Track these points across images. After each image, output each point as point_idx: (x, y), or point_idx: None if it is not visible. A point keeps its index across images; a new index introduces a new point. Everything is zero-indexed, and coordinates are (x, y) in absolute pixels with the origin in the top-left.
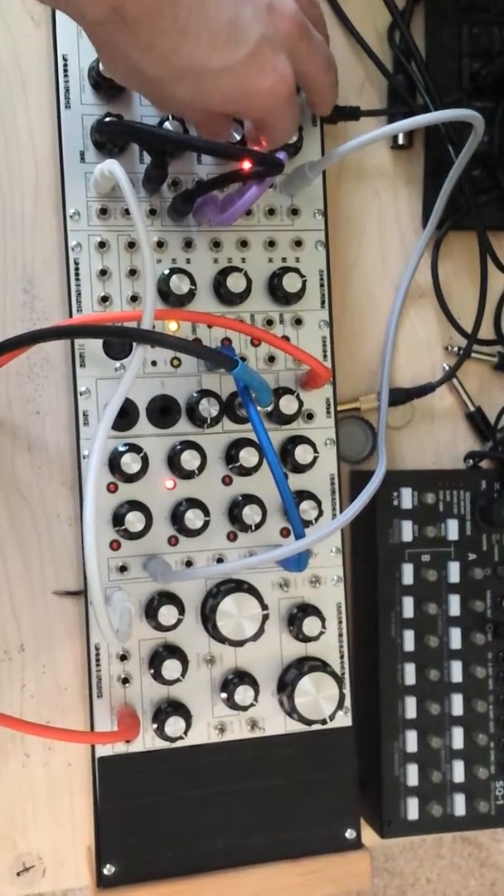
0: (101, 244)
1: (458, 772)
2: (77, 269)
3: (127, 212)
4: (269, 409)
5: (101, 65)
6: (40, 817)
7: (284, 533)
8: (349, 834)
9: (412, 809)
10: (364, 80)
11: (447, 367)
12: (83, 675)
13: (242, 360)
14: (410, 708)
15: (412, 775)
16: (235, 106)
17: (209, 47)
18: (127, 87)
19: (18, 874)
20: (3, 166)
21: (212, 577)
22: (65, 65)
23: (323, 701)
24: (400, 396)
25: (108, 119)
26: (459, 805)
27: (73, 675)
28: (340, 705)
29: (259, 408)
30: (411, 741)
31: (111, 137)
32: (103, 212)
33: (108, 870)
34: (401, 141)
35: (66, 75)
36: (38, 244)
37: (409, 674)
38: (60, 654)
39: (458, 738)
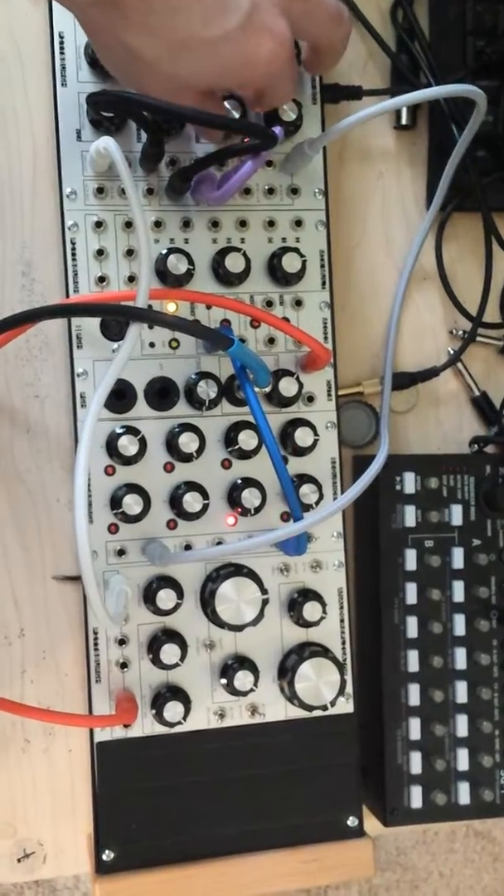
0: (98, 224)
1: (463, 760)
2: (74, 249)
3: (124, 191)
4: (268, 390)
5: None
6: (41, 804)
7: (284, 517)
8: (351, 822)
9: (416, 797)
10: (367, 59)
11: (452, 351)
12: (83, 661)
13: (241, 342)
14: (414, 695)
15: (416, 763)
16: (237, 75)
17: (203, 19)
18: (120, 77)
19: (19, 860)
20: (1, 146)
21: (210, 560)
22: (61, 42)
23: (324, 686)
24: (404, 380)
25: (100, 91)
26: (464, 793)
27: (74, 660)
28: (341, 691)
29: (257, 388)
30: (415, 728)
31: (103, 108)
32: (100, 191)
33: (107, 856)
34: (404, 121)
35: (62, 53)
36: (38, 225)
37: (413, 660)
38: (61, 640)
39: (462, 725)
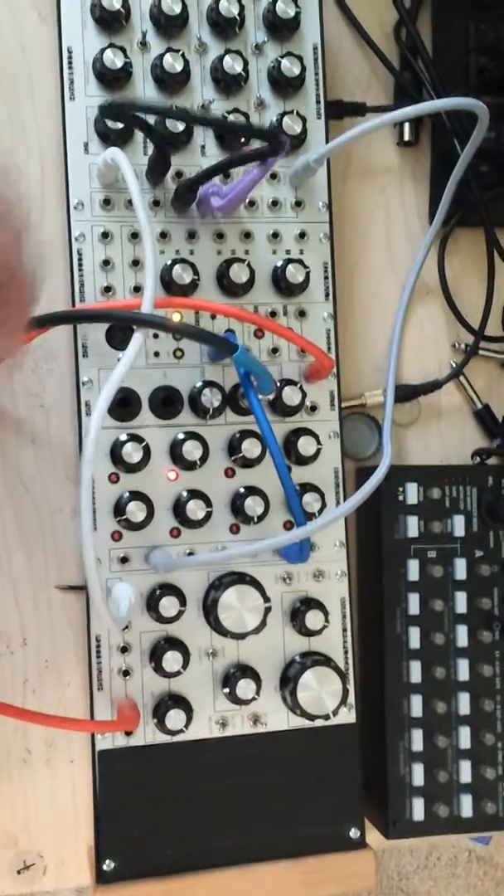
0: (105, 234)
1: (465, 772)
2: (80, 259)
3: (130, 202)
4: (271, 397)
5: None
6: (42, 815)
7: (287, 526)
8: (353, 833)
9: (418, 810)
10: (370, 76)
11: (454, 365)
12: (86, 671)
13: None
14: (416, 706)
15: (418, 775)
16: None
17: None
18: None
19: (19, 872)
20: (8, 161)
21: (213, 566)
22: (69, 57)
23: (326, 696)
24: (406, 393)
25: (109, 101)
26: (466, 806)
27: (76, 670)
28: (344, 701)
29: (261, 396)
30: (417, 740)
31: (115, 116)
32: (106, 202)
33: (108, 865)
34: (407, 137)
35: (70, 67)
36: (44, 237)
37: (415, 671)
38: (63, 649)
39: (464, 737)
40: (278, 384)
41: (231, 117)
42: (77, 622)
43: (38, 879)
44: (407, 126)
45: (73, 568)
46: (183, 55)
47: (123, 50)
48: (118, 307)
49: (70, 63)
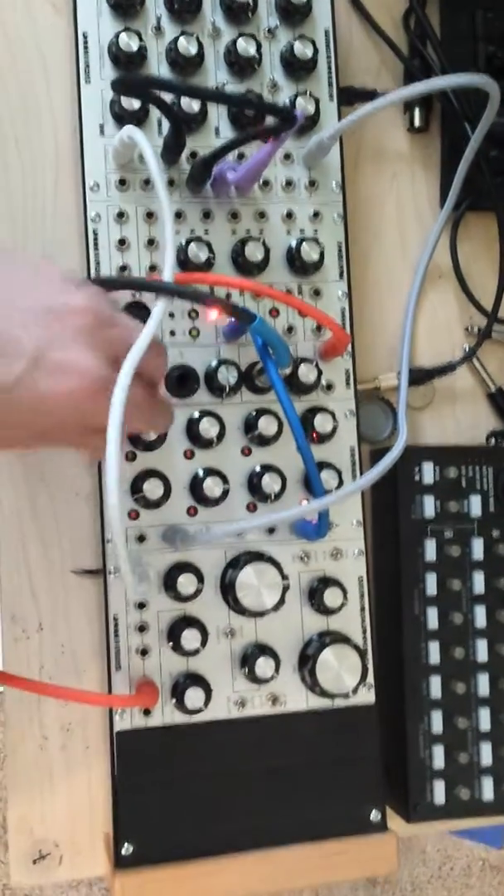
0: (120, 214)
1: (486, 754)
2: (96, 239)
3: (146, 182)
4: (288, 371)
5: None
6: (57, 803)
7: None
8: (374, 816)
9: (439, 793)
10: (380, 64)
11: (467, 348)
12: (102, 656)
13: None
14: (435, 687)
15: (438, 757)
16: (51, 420)
17: None
18: None
19: (35, 862)
20: (24, 150)
21: (231, 539)
22: (85, 42)
23: (345, 674)
24: (420, 376)
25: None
26: (487, 789)
27: (92, 655)
28: (363, 679)
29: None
30: (437, 722)
31: (126, 92)
32: (122, 183)
33: (126, 849)
34: (417, 123)
35: (86, 51)
36: (59, 219)
37: (434, 652)
38: (79, 634)
39: (484, 719)
40: (294, 363)
41: None
42: (92, 607)
43: (54, 869)
44: (417, 112)
45: (89, 552)
46: (197, 38)
47: (139, 34)
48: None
49: (86, 48)
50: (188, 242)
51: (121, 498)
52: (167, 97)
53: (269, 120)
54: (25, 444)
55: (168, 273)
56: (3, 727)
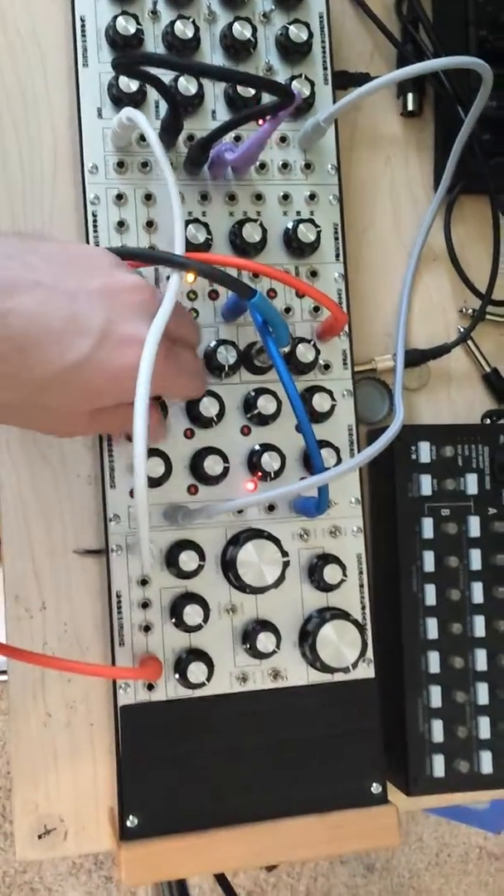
0: (119, 196)
1: (484, 728)
2: (95, 221)
3: (144, 164)
4: (286, 350)
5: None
6: (62, 779)
7: None
8: (374, 788)
9: (438, 766)
10: (373, 50)
11: (462, 329)
12: (104, 635)
13: None
14: (434, 662)
15: (437, 731)
16: (115, 390)
17: (57, 349)
18: (16, 426)
19: (40, 837)
20: (22, 135)
21: (231, 517)
22: (82, 25)
23: (345, 648)
24: (415, 357)
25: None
26: (486, 762)
27: (94, 634)
28: (363, 654)
29: None
30: (435, 696)
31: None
32: (120, 165)
33: (131, 822)
34: (410, 107)
35: (83, 36)
36: (57, 203)
37: (432, 628)
38: (81, 613)
39: (482, 693)
40: (291, 343)
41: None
42: (95, 586)
43: (59, 844)
44: (410, 96)
45: (91, 532)
46: (193, 22)
47: (136, 17)
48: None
49: (83, 31)
50: (186, 224)
51: (145, 462)
52: (165, 79)
53: (266, 101)
54: (85, 425)
55: (179, 246)
56: (8, 708)
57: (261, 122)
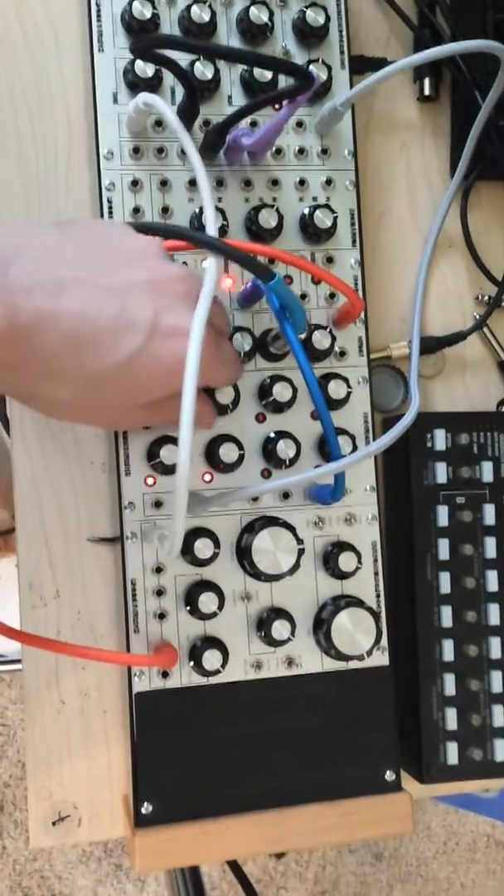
0: (134, 182)
1: (498, 716)
2: (111, 207)
3: (160, 150)
4: (303, 336)
5: None
6: (76, 766)
7: None
8: (388, 776)
9: (452, 754)
10: (389, 34)
11: (478, 317)
12: (118, 623)
13: None
14: (448, 650)
15: (451, 719)
16: (168, 382)
17: (109, 344)
18: (74, 422)
19: (54, 824)
20: (37, 121)
21: (246, 505)
22: (98, 10)
23: (360, 636)
24: (431, 345)
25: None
26: (500, 750)
27: (109, 622)
28: (377, 641)
29: None
30: (449, 684)
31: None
32: (136, 151)
33: (146, 808)
34: (427, 92)
35: (99, 20)
36: (72, 189)
37: (447, 616)
38: (95, 601)
39: (497, 681)
40: (308, 330)
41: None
42: (109, 574)
43: (73, 831)
44: (427, 81)
45: (105, 519)
46: (210, 5)
47: (152, 2)
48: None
49: (99, 16)
50: (202, 210)
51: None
52: (182, 64)
53: (283, 86)
54: (140, 418)
55: (212, 228)
56: (21, 696)
57: (277, 106)
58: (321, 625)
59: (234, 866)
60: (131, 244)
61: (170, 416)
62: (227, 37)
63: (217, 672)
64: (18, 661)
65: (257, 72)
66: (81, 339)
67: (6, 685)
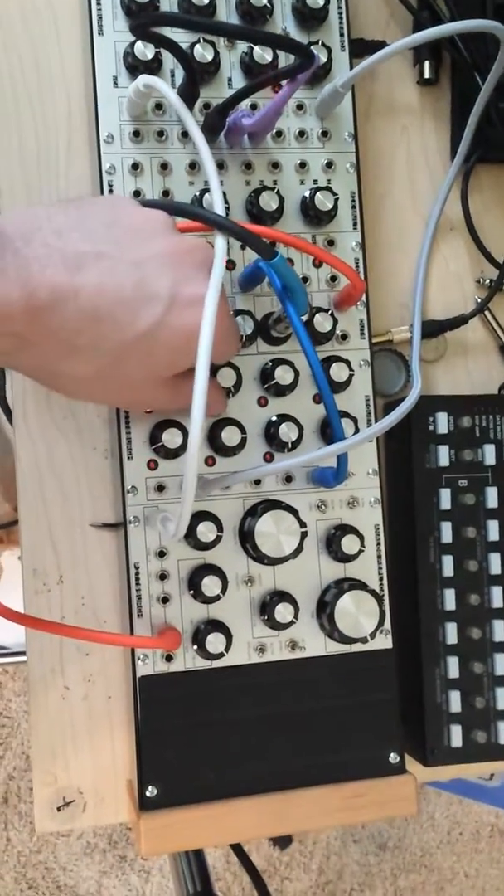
0: (135, 166)
1: (502, 699)
2: (111, 191)
3: (160, 133)
4: (305, 318)
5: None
6: (80, 751)
7: None
8: (392, 758)
9: (455, 736)
10: (389, 17)
11: (479, 300)
12: (121, 608)
13: None
14: (451, 633)
15: (455, 702)
16: (188, 352)
17: (130, 317)
18: (96, 402)
19: (59, 809)
20: (37, 106)
21: (249, 489)
22: None
23: (363, 618)
24: (432, 328)
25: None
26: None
27: (112, 607)
28: (381, 624)
29: None
30: (453, 667)
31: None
32: (136, 134)
33: (151, 792)
34: (427, 75)
35: (98, 3)
36: (72, 173)
37: (449, 599)
38: (99, 587)
39: (500, 664)
40: (309, 313)
41: (257, 49)
42: (112, 559)
43: (78, 816)
44: (427, 64)
45: (108, 505)
46: None
47: None
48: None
49: (98, 0)
50: (203, 193)
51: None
52: (182, 46)
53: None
54: (163, 394)
55: (218, 205)
56: (25, 685)
57: (278, 88)
58: (324, 608)
59: (239, 850)
60: (143, 217)
61: (188, 398)
62: (227, 19)
63: (221, 655)
64: (21, 653)
65: (257, 54)
66: (101, 312)
67: (9, 677)
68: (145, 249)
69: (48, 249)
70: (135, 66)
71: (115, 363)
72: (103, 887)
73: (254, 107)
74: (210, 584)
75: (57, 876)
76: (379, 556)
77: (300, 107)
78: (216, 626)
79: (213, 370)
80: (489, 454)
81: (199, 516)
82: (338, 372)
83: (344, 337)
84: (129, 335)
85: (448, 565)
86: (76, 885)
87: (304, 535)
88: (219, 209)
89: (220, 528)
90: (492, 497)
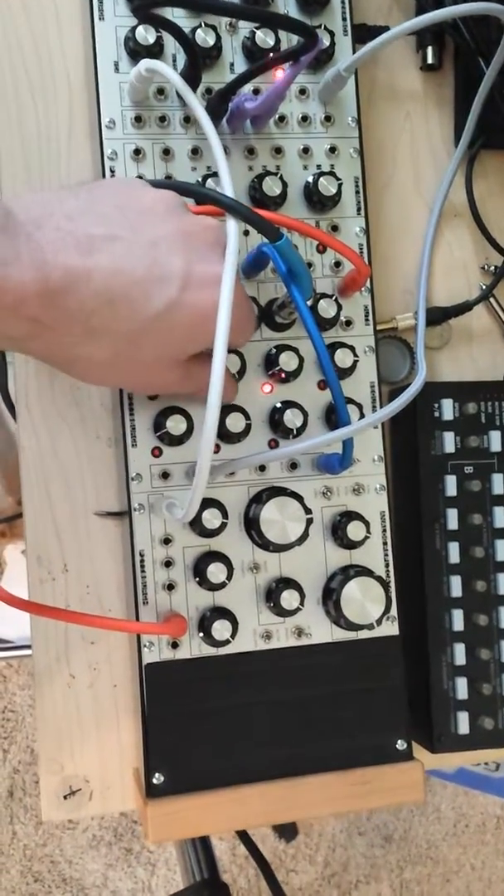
0: (137, 151)
1: None
2: (113, 177)
3: (162, 119)
4: (309, 303)
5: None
6: (86, 740)
7: None
8: (399, 745)
9: (462, 723)
10: (392, 3)
11: (484, 287)
12: (126, 596)
13: None
14: (457, 620)
15: (461, 688)
16: (203, 332)
17: (144, 298)
18: (110, 386)
19: (65, 797)
20: (38, 92)
21: (254, 476)
22: None
23: (369, 605)
24: (437, 315)
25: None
26: None
27: (117, 595)
28: (387, 610)
29: None
30: (459, 653)
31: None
32: (138, 120)
33: (157, 779)
34: (430, 61)
35: None
36: (74, 160)
37: (456, 586)
38: (103, 575)
39: None
40: (313, 299)
41: (259, 34)
42: (116, 548)
43: (85, 804)
44: (430, 50)
45: (111, 493)
46: None
47: None
48: None
49: None
50: (205, 178)
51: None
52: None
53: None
54: (178, 377)
55: (227, 185)
56: (31, 676)
57: (280, 70)
58: (330, 594)
59: (245, 838)
60: (153, 198)
61: (203, 382)
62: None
63: (227, 642)
64: (25, 647)
65: (259, 38)
66: (116, 294)
67: (14, 671)
68: (157, 230)
69: (60, 233)
70: (136, 51)
71: (130, 346)
72: (109, 880)
73: (256, 91)
74: (216, 571)
75: (63, 869)
76: (385, 543)
77: (303, 91)
78: (222, 613)
79: None
80: (495, 440)
81: (204, 503)
82: (342, 358)
83: (348, 323)
84: (143, 316)
85: (454, 552)
86: (82, 877)
87: (309, 522)
88: (228, 191)
89: (225, 514)
90: (497, 483)
